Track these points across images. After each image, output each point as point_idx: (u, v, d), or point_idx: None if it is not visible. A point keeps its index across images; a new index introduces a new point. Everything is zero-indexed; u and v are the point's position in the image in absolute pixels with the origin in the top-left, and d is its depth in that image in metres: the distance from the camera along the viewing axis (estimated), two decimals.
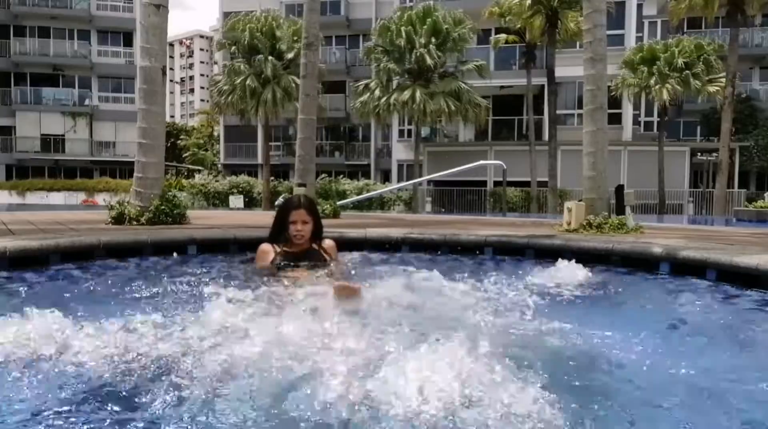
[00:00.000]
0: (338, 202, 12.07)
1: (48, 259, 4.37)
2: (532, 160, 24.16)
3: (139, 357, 2.00)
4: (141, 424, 1.57)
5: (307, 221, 3.76)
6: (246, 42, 24.98)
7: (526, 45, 25.22)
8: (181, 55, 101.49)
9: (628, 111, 27.68)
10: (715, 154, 24.34)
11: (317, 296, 2.80)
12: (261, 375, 1.83)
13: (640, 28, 29.18)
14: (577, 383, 1.89)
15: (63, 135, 36.46)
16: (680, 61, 22.91)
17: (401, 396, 1.59)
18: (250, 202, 26.43)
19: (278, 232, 3.88)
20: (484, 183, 26.39)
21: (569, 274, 4.05)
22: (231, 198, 26.08)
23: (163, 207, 7.32)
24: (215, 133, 46.29)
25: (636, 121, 29.24)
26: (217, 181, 28.44)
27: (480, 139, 29.84)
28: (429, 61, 22.45)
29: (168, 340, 2.13)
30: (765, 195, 18.33)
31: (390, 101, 23.11)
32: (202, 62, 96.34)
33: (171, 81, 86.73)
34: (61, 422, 1.59)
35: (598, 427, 1.62)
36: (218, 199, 26.60)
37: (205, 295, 2.94)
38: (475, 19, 23.63)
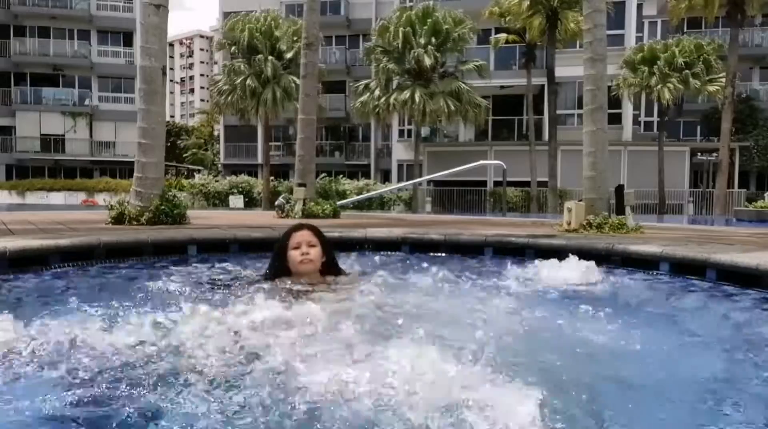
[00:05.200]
0: (338, 202, 12.06)
1: (48, 259, 4.36)
2: (532, 160, 24.16)
3: (138, 356, 2.00)
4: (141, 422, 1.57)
5: (313, 244, 3.13)
6: (245, 42, 25.00)
7: (526, 45, 25.24)
8: (181, 55, 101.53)
9: (628, 111, 27.70)
10: (715, 154, 24.36)
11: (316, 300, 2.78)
12: (254, 374, 1.83)
13: (640, 28, 29.21)
14: (572, 383, 1.88)
15: (63, 135, 36.48)
16: (680, 61, 22.93)
17: (394, 399, 1.58)
18: (250, 202, 26.44)
19: (277, 269, 3.20)
20: (484, 183, 26.40)
21: (573, 272, 4.05)
22: (231, 198, 26.09)
23: (163, 207, 7.31)
24: (215, 133, 46.31)
25: (636, 121, 29.26)
26: (217, 181, 28.45)
27: (480, 139, 29.86)
28: (427, 61, 22.47)
29: (166, 340, 2.13)
30: (765, 195, 18.33)
31: (390, 101, 23.13)
32: (202, 62, 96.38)
33: (171, 81, 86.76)
34: (61, 421, 1.59)
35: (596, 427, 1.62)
36: (218, 199, 26.60)
37: (205, 295, 2.94)
38: (475, 19, 23.65)
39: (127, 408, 1.64)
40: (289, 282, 3.04)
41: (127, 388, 1.77)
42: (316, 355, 1.93)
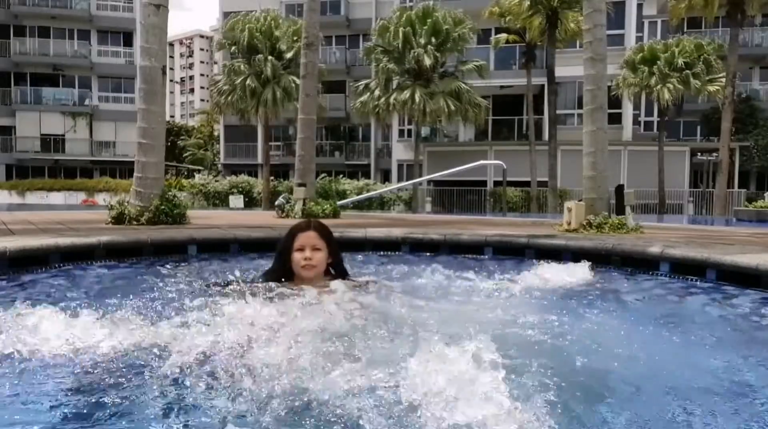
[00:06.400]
0: (338, 202, 12.06)
1: (48, 259, 4.37)
2: (532, 160, 24.16)
3: (139, 356, 2.00)
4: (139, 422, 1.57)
5: (318, 247, 2.90)
6: (245, 42, 25.00)
7: (526, 45, 25.24)
8: (181, 55, 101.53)
9: (628, 111, 27.70)
10: (715, 154, 24.36)
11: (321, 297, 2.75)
12: (262, 374, 1.83)
13: (640, 28, 29.21)
14: (573, 383, 1.88)
15: (63, 135, 36.47)
16: (680, 61, 22.93)
17: (400, 397, 1.59)
18: (250, 202, 26.44)
19: (280, 268, 2.98)
20: (484, 183, 26.40)
21: (569, 272, 4.05)
22: (231, 198, 26.09)
23: (163, 207, 7.32)
24: (215, 133, 46.31)
25: (636, 121, 29.26)
26: (217, 181, 28.46)
27: (480, 139, 29.85)
28: (427, 61, 22.47)
29: (169, 339, 2.13)
30: (765, 195, 18.33)
31: (390, 101, 23.13)
32: (202, 62, 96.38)
33: (171, 81, 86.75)
34: (58, 420, 1.59)
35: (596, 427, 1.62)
36: (218, 199, 26.60)
37: (209, 295, 2.94)
38: (475, 19, 23.64)
39: (125, 410, 1.64)
40: (289, 286, 2.89)
41: (123, 389, 1.77)
42: (318, 360, 1.93)
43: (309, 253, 2.86)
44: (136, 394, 1.73)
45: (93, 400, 1.70)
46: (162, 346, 2.08)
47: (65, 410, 1.64)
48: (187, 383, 1.79)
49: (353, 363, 1.84)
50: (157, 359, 1.97)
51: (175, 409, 1.64)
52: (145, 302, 2.83)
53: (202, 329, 2.22)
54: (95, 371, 1.90)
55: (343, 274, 3.09)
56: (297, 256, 2.88)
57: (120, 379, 1.84)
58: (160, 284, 3.49)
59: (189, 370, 1.88)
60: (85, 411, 1.64)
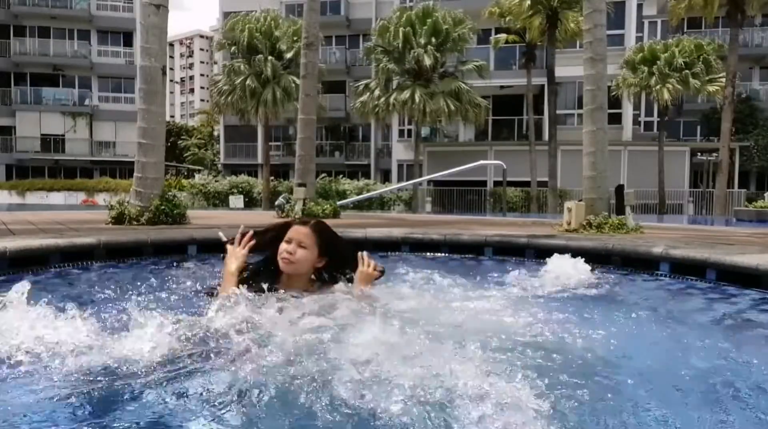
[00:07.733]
0: (338, 202, 12.07)
1: (48, 259, 4.37)
2: (532, 160, 24.17)
3: (141, 356, 2.00)
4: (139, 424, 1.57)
5: (304, 245, 2.75)
6: (245, 42, 25.03)
7: (526, 45, 25.26)
8: (181, 55, 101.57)
9: (628, 111, 27.71)
10: (715, 154, 24.38)
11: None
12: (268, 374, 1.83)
13: (640, 28, 29.23)
14: (574, 382, 1.88)
15: (63, 135, 36.50)
16: (680, 61, 22.95)
17: (396, 392, 1.59)
18: (250, 202, 26.46)
19: (272, 256, 2.83)
20: (484, 183, 26.42)
21: (568, 271, 4.05)
22: (231, 198, 26.11)
23: (163, 207, 7.32)
24: (215, 133, 46.33)
25: (636, 121, 29.28)
26: (217, 181, 28.47)
27: (480, 139, 29.87)
28: (427, 61, 22.50)
29: (171, 339, 2.13)
30: (765, 195, 18.34)
31: (390, 101, 23.15)
32: (202, 62, 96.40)
33: (171, 81, 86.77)
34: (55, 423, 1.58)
35: (597, 426, 1.62)
36: (218, 199, 26.62)
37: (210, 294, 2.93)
38: (475, 19, 23.67)
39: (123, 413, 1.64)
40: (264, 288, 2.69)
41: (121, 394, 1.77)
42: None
43: (293, 247, 2.74)
44: (131, 399, 1.73)
45: (79, 407, 1.70)
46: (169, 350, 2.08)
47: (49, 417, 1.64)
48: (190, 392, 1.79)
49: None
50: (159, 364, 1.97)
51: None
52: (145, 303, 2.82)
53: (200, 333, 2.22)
54: (84, 375, 1.90)
55: (334, 280, 2.88)
56: (282, 247, 2.77)
57: (118, 383, 1.83)
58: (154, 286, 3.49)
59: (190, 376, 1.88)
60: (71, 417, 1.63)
